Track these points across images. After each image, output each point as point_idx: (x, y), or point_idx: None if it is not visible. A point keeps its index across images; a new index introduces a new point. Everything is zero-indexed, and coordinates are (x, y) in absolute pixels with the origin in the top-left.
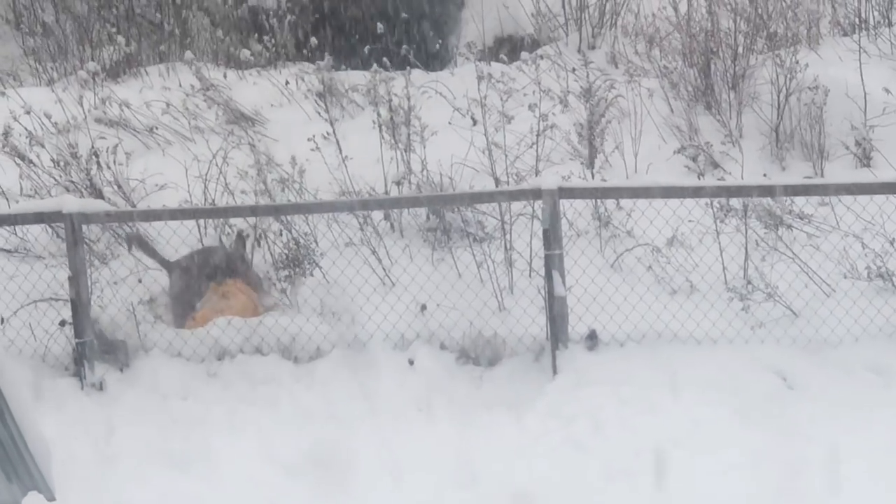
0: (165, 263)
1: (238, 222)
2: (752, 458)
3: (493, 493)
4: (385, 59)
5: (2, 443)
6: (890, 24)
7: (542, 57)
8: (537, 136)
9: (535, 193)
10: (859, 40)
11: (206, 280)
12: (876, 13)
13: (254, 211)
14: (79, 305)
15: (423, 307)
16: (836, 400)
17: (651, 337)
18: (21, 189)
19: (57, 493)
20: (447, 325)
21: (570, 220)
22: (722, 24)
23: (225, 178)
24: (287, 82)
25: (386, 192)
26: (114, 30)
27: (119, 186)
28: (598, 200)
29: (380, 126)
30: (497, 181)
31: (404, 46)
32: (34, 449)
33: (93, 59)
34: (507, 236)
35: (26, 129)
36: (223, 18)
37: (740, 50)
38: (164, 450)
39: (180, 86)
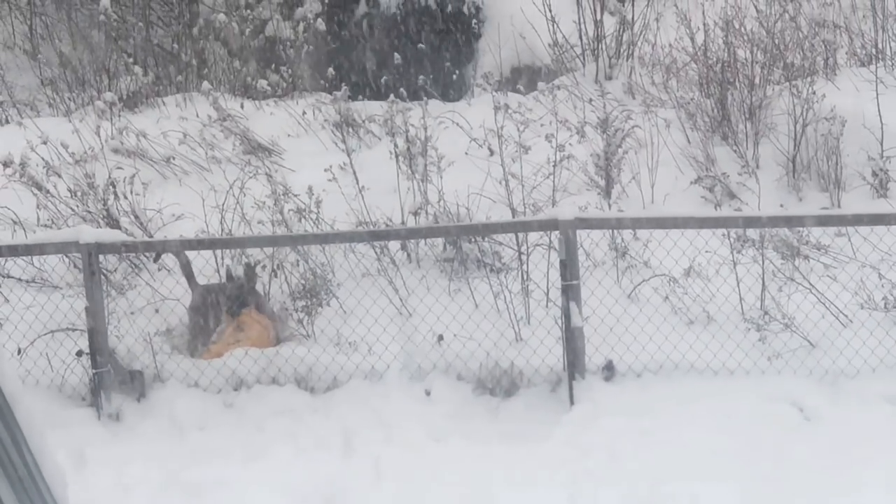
0: (195, 286)
1: (254, 253)
2: (769, 489)
3: None
4: (402, 89)
5: (18, 473)
6: None
7: (558, 87)
8: (554, 166)
9: (552, 224)
10: (876, 71)
11: (222, 311)
12: (893, 44)
13: (271, 241)
14: (96, 335)
15: (440, 338)
16: (853, 431)
17: (668, 367)
18: (38, 219)
19: None
20: (464, 356)
21: (587, 251)
22: (738, 55)
23: (242, 209)
24: (304, 112)
25: (403, 223)
26: (131, 60)
27: (136, 216)
28: (615, 231)
29: (396, 156)
30: (514, 212)
31: (421, 77)
32: (50, 479)
33: (110, 90)
34: (524, 267)
35: (43, 159)
36: (240, 49)
37: (757, 80)
38: (181, 480)
39: (197, 116)
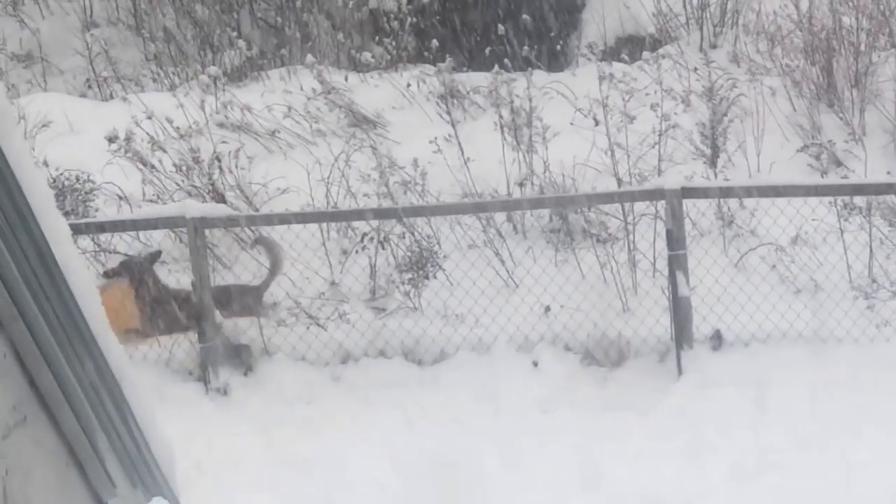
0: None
1: (360, 225)
2: (880, 457)
3: (618, 494)
4: (506, 60)
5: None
6: None
7: (663, 56)
8: (659, 136)
9: (658, 194)
10: None
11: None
12: None
13: (377, 214)
14: (203, 310)
15: (547, 309)
16: None
17: (776, 336)
18: (144, 194)
19: (181, 499)
20: (571, 327)
21: (693, 220)
22: (844, 22)
23: (347, 182)
24: (408, 85)
25: (508, 194)
26: (235, 34)
27: (241, 191)
28: (721, 200)
29: (501, 127)
30: (619, 181)
31: (525, 47)
32: (158, 454)
33: (214, 64)
34: (631, 237)
35: (148, 134)
36: (344, 21)
37: (863, 47)
38: (289, 454)
39: (301, 89)
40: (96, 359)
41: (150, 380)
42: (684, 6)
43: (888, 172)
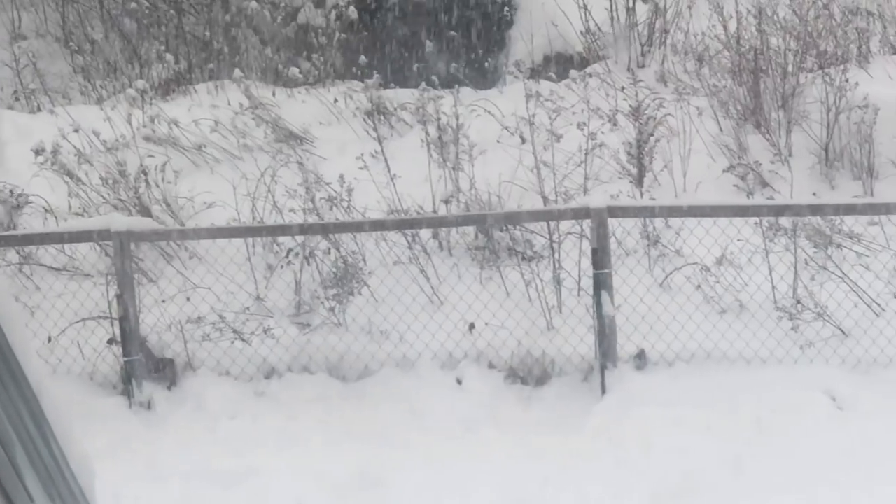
0: None
1: (286, 241)
2: (805, 479)
3: None
4: (434, 77)
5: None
6: None
7: (590, 75)
8: (586, 154)
9: (584, 212)
10: None
11: None
12: None
13: (302, 229)
14: (127, 324)
15: (472, 326)
16: (886, 420)
17: (700, 357)
18: (70, 207)
19: None
20: (495, 345)
21: (619, 239)
22: (771, 43)
23: (273, 197)
24: (336, 100)
25: (434, 211)
26: (163, 48)
27: (167, 204)
28: (647, 219)
29: (428, 144)
30: (545, 200)
31: (453, 65)
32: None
33: (142, 77)
34: (556, 255)
35: (75, 147)
36: (272, 36)
37: (790, 68)
38: (213, 469)
39: (229, 104)
40: (14, 372)
41: (73, 394)
42: (612, 25)
43: (814, 193)
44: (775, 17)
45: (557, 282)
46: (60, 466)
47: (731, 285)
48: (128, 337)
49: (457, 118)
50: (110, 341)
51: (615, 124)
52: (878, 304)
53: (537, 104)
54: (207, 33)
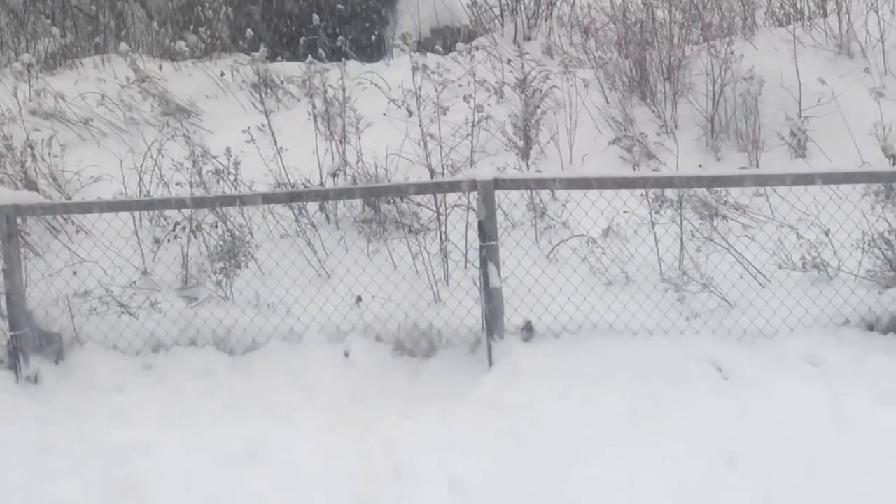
0: None
1: (173, 214)
2: (689, 448)
3: (428, 484)
4: (320, 50)
5: None
6: (825, 15)
7: (477, 48)
8: (472, 127)
9: (471, 185)
10: (794, 31)
11: None
12: (811, 3)
13: (189, 203)
14: (13, 298)
15: (359, 299)
16: (771, 390)
17: (587, 328)
18: None
19: None
20: (382, 317)
21: (506, 212)
22: (657, 15)
23: (160, 170)
24: (222, 74)
25: (321, 184)
26: (49, 21)
27: (54, 178)
28: (533, 191)
29: (315, 117)
30: (432, 172)
31: (339, 38)
32: None
33: (28, 51)
34: (443, 228)
35: None
36: (158, 10)
37: (675, 41)
38: (100, 442)
39: (115, 77)
40: None
41: None
42: None
43: (699, 165)
44: None
45: (444, 254)
46: None
47: (617, 257)
48: (14, 311)
49: (343, 91)
50: None
51: (501, 97)
52: (764, 275)
53: (424, 77)
54: (94, 7)
